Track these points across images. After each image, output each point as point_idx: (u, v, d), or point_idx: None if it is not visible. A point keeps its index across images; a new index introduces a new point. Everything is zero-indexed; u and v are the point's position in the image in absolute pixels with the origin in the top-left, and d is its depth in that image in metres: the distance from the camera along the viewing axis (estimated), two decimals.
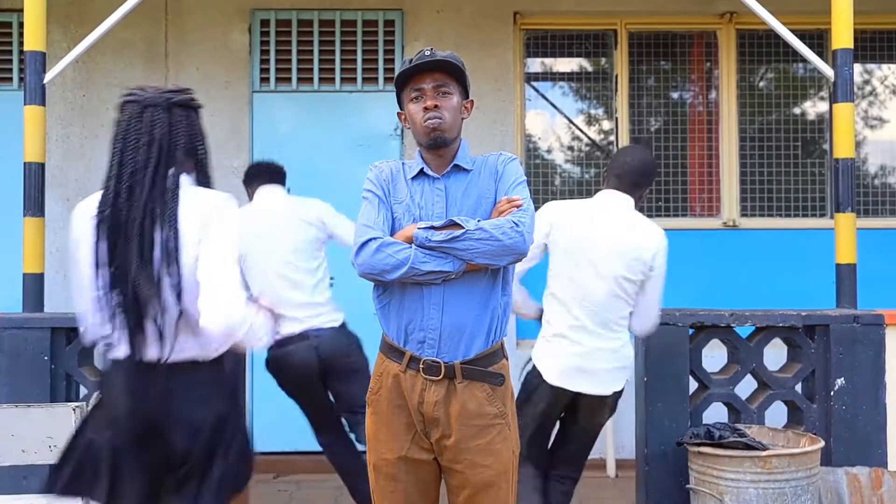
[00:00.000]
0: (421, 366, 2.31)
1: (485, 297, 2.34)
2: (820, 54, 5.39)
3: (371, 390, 2.42)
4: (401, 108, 2.48)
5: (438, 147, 2.39)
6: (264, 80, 5.56)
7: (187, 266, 2.18)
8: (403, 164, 2.49)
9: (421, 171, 2.43)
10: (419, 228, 2.29)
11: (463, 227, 2.26)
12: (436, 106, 2.36)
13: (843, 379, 3.78)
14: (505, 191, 2.39)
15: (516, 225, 2.27)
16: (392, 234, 2.36)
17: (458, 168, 2.43)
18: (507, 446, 2.37)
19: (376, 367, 2.43)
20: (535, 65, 5.81)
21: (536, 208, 5.65)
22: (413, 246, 2.28)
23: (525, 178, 2.45)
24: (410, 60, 2.38)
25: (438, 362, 2.30)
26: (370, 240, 2.30)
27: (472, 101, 2.51)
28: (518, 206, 2.32)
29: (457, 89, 2.43)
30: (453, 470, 2.35)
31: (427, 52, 2.38)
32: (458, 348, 2.32)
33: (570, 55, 5.80)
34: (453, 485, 2.38)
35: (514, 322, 5.45)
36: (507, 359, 2.45)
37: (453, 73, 2.41)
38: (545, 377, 3.20)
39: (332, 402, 4.01)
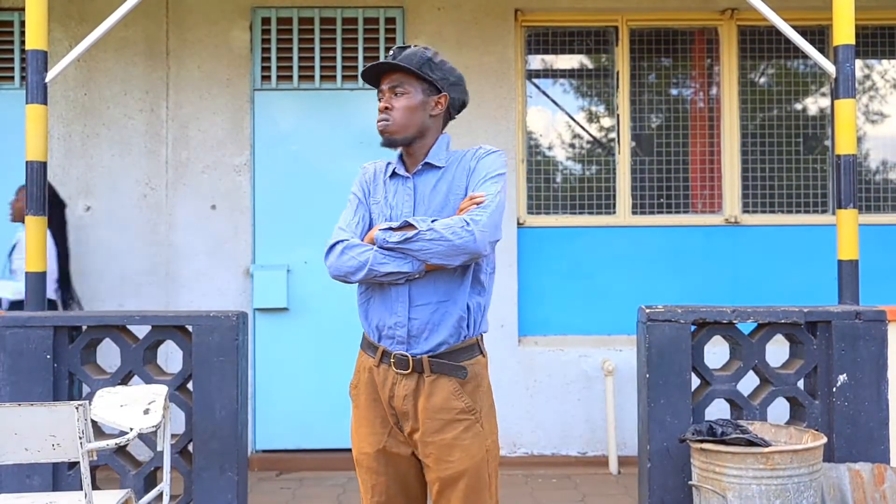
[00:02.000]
0: (392, 360, 2.35)
1: (450, 293, 2.34)
2: (821, 50, 5.40)
3: (352, 384, 2.48)
4: None
5: (392, 146, 2.43)
6: (265, 78, 5.56)
7: None
8: (388, 164, 2.52)
9: (395, 171, 2.46)
10: (379, 230, 2.33)
11: (416, 228, 2.27)
12: (386, 108, 2.39)
13: (845, 375, 3.78)
14: (474, 186, 2.36)
15: (467, 224, 2.25)
16: None
17: (429, 166, 2.43)
18: (477, 443, 2.34)
19: (357, 362, 2.49)
20: (536, 62, 5.80)
21: (537, 206, 5.68)
22: (374, 247, 2.31)
23: (502, 171, 2.39)
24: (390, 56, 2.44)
25: (406, 356, 2.34)
26: (337, 242, 2.37)
27: (444, 95, 2.45)
28: (478, 204, 2.29)
29: (417, 87, 2.41)
30: (424, 463, 2.39)
31: (390, 53, 2.42)
32: (426, 343, 2.34)
33: (572, 52, 5.80)
34: (428, 479, 2.41)
35: (515, 319, 5.46)
36: (484, 355, 2.44)
37: (411, 71, 2.39)
38: None
39: None
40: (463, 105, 2.54)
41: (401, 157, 2.48)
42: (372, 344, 2.41)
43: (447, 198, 2.39)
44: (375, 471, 2.40)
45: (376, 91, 2.47)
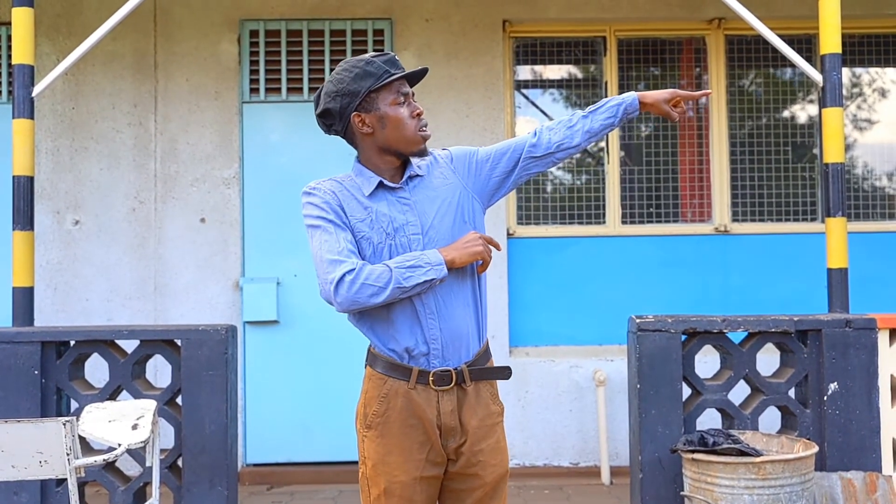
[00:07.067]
0: (431, 378, 2.26)
1: (472, 294, 2.32)
2: (808, 59, 5.43)
3: (375, 414, 2.30)
4: (357, 108, 2.30)
5: (423, 155, 2.35)
6: (254, 90, 5.56)
7: None
8: (338, 181, 2.35)
9: (380, 184, 2.33)
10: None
11: None
12: (420, 114, 2.34)
13: (836, 383, 3.78)
14: (484, 155, 2.46)
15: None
16: (363, 255, 2.26)
17: (412, 175, 2.37)
18: (505, 442, 2.41)
19: (374, 388, 2.32)
20: (525, 72, 5.81)
21: (527, 216, 5.68)
22: (387, 265, 2.20)
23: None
24: (391, 61, 2.30)
25: (448, 370, 2.27)
26: (346, 273, 2.18)
27: None
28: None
29: None
30: (466, 474, 2.32)
31: (397, 57, 2.33)
32: (459, 352, 2.29)
33: (560, 62, 5.81)
34: (463, 489, 2.35)
35: (506, 330, 5.45)
36: None
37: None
38: None
39: None
40: None
41: (366, 169, 2.35)
42: (399, 366, 2.28)
43: (441, 204, 2.34)
44: (411, 499, 2.29)
45: (397, 92, 2.30)
